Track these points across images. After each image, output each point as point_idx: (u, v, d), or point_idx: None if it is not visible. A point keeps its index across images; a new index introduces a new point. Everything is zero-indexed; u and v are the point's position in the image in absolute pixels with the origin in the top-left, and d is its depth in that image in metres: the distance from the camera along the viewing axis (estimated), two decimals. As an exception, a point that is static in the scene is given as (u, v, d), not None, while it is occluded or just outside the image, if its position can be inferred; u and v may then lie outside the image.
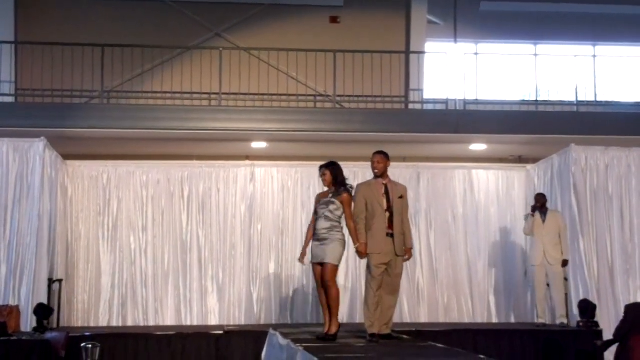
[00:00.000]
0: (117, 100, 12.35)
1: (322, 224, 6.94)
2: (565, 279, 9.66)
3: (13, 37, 12.51)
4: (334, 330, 6.90)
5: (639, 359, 6.93)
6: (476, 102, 12.71)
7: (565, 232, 9.40)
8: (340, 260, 6.98)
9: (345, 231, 7.08)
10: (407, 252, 7.16)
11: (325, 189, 7.17)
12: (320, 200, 7.08)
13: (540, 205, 9.49)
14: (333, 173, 7.05)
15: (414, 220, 10.72)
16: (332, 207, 6.94)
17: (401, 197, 7.20)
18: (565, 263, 9.33)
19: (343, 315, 10.30)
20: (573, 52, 13.72)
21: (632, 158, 9.93)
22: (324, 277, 6.87)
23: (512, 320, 10.65)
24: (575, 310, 9.28)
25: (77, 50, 11.41)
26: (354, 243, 7.02)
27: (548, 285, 9.49)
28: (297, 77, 12.54)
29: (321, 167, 7.16)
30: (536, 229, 9.43)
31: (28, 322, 8.52)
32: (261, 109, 11.59)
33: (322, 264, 6.91)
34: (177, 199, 10.57)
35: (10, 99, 11.95)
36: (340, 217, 6.97)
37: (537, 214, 9.46)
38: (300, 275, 10.52)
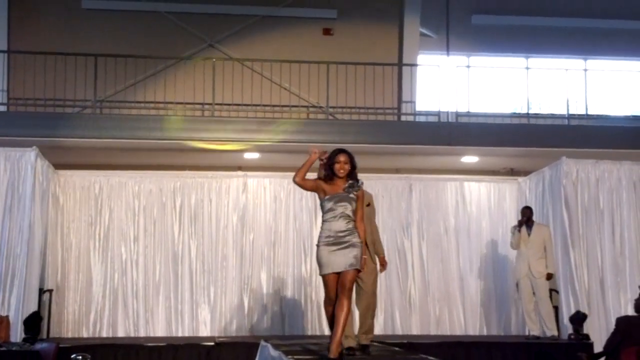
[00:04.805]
0: (109, 110, 12.33)
1: (340, 225, 5.78)
2: (556, 292, 9.69)
3: (6, 46, 12.49)
4: (335, 353, 5.67)
5: (630, 372, 6.95)
6: (468, 114, 12.76)
7: (550, 245, 9.39)
8: None
9: None
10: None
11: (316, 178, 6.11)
12: (332, 195, 5.86)
13: (526, 218, 9.52)
14: (352, 162, 5.98)
15: (406, 231, 10.77)
16: (353, 204, 5.85)
17: None
18: (549, 277, 9.34)
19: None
20: (564, 65, 13.82)
21: (623, 171, 9.99)
22: (347, 285, 5.71)
23: (504, 332, 10.66)
24: (566, 322, 9.30)
25: (69, 60, 11.38)
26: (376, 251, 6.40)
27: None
28: (290, 89, 12.56)
29: (341, 151, 5.98)
30: (522, 242, 9.46)
31: (18, 333, 8.47)
32: (254, 120, 11.60)
33: (339, 273, 5.76)
34: (169, 209, 10.56)
35: (2, 108, 11.91)
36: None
37: (524, 228, 9.49)
38: (292, 286, 10.51)
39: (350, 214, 5.82)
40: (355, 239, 5.78)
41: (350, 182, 5.89)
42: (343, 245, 5.76)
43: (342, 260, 5.74)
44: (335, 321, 5.69)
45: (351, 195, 5.85)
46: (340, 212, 5.80)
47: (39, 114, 11.34)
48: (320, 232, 5.86)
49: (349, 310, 5.76)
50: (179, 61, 12.58)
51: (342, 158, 5.93)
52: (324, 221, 5.87)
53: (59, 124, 10.91)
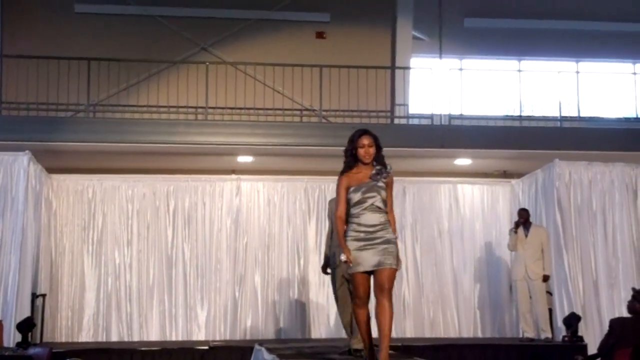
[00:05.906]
0: (102, 114, 12.31)
1: (371, 218, 5.09)
2: (550, 293, 9.72)
3: (-2, 50, 12.47)
4: None
5: (624, 374, 6.96)
6: (461, 117, 12.79)
7: (547, 247, 9.45)
8: None
9: None
10: None
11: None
12: (359, 185, 5.16)
13: (523, 220, 9.55)
14: (377, 143, 5.25)
15: (400, 234, 10.75)
16: (383, 193, 5.14)
17: None
18: (545, 278, 9.39)
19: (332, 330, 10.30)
20: (557, 68, 13.86)
21: (615, 173, 10.02)
22: (387, 285, 5.02)
23: (498, 334, 10.68)
24: (560, 325, 9.33)
25: (62, 64, 11.36)
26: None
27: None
28: (283, 92, 12.57)
29: (364, 132, 5.29)
30: (519, 244, 9.49)
31: (11, 338, 8.43)
32: (247, 123, 11.59)
33: (373, 272, 5.09)
34: (163, 213, 10.54)
35: (-5, 112, 11.89)
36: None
37: (520, 229, 9.52)
38: (286, 289, 10.50)
39: (382, 205, 5.12)
40: (389, 235, 5.08)
41: (377, 168, 5.19)
42: (375, 242, 5.06)
43: (373, 258, 5.04)
44: (379, 327, 5.02)
45: (379, 184, 5.15)
46: (370, 203, 5.11)
47: (31, 118, 11.32)
48: (348, 228, 5.12)
49: (392, 313, 5.10)
50: (172, 65, 12.57)
51: (365, 141, 5.21)
52: (351, 215, 5.13)
53: (52, 128, 10.88)
